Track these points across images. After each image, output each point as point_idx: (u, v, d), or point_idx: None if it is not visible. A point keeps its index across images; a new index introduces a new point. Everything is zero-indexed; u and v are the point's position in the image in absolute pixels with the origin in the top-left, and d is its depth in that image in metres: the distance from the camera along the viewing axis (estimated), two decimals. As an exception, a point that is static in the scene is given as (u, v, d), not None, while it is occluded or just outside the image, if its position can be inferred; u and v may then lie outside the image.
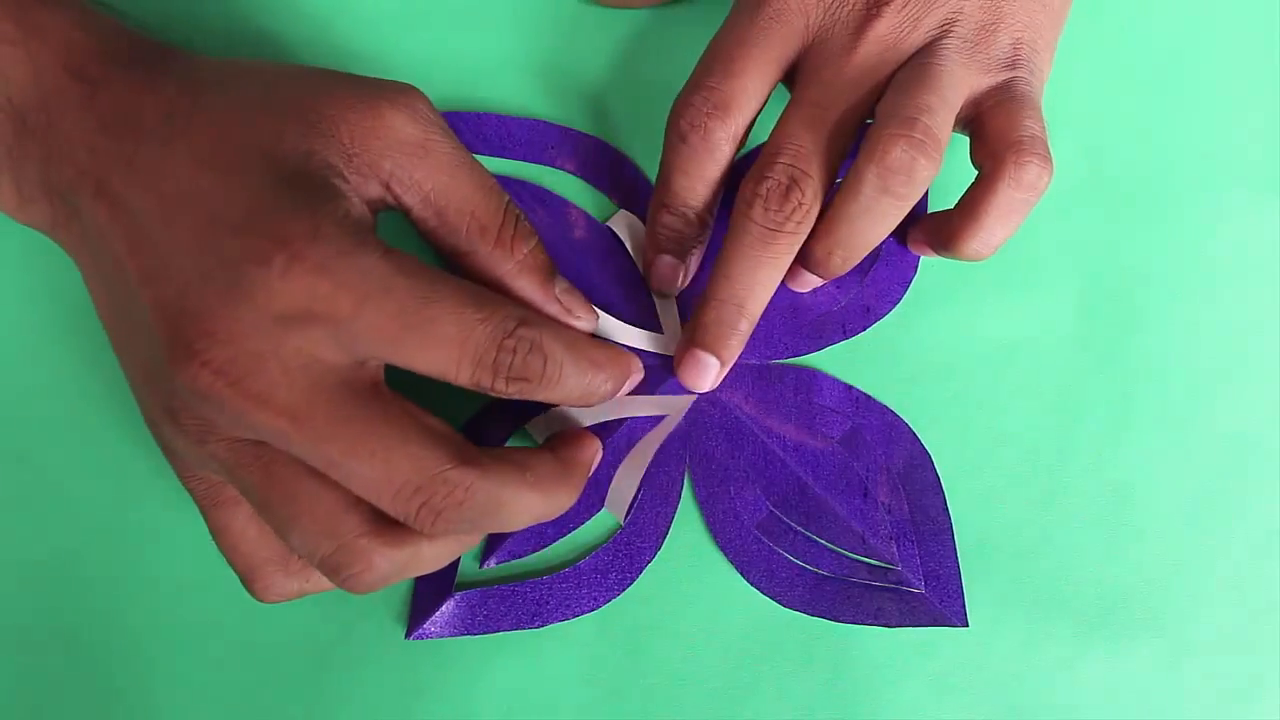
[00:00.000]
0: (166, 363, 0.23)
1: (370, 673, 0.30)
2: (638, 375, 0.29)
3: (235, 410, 0.23)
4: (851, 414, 0.32)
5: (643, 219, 0.33)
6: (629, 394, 0.30)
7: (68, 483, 0.31)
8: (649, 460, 0.32)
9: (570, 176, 0.33)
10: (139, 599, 0.30)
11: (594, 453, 0.29)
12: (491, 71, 0.33)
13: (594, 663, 0.31)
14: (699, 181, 0.30)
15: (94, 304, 0.27)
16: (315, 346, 0.23)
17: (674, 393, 0.32)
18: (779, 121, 0.29)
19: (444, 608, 0.30)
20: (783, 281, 0.32)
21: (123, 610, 0.30)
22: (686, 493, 0.32)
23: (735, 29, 0.29)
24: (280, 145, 0.24)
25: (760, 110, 0.30)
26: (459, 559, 0.31)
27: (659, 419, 0.32)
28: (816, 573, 0.31)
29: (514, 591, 0.31)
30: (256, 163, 0.24)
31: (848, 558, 0.31)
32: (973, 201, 0.28)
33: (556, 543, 0.31)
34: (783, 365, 0.32)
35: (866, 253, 0.29)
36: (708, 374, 0.30)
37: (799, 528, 0.31)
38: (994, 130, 0.28)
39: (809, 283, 0.32)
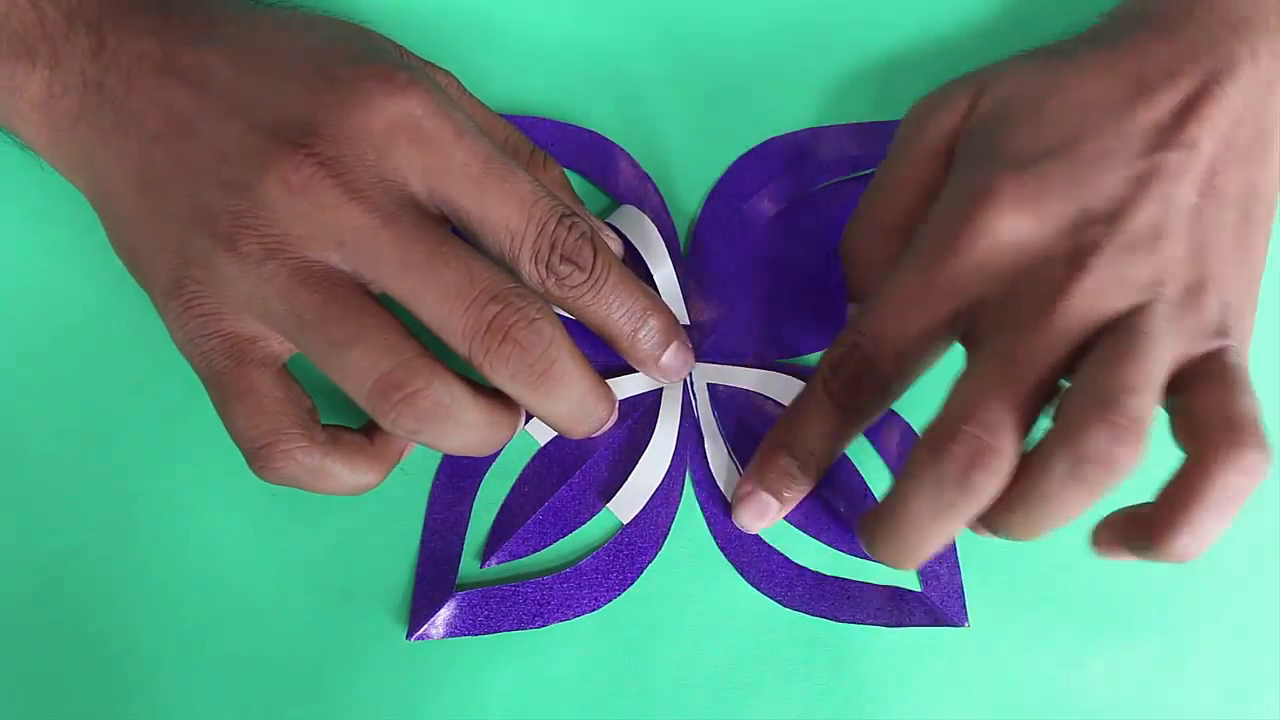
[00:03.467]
0: (253, 173, 0.24)
1: (370, 673, 0.30)
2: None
3: (329, 202, 0.24)
4: (852, 414, 0.32)
5: (644, 212, 0.32)
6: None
7: (68, 483, 0.31)
8: (667, 462, 0.32)
9: (569, 173, 0.33)
10: (140, 599, 0.30)
11: None
12: (487, 69, 0.33)
13: (594, 663, 0.31)
14: (831, 436, 0.28)
15: (105, 205, 0.27)
16: (409, 169, 0.25)
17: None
18: (961, 381, 0.25)
19: (445, 608, 0.30)
20: (785, 295, 0.32)
21: (124, 610, 0.30)
22: (687, 493, 0.32)
23: (910, 276, 0.26)
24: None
25: (924, 369, 0.27)
26: (459, 560, 0.31)
27: (657, 392, 0.32)
28: (817, 573, 0.31)
29: (514, 592, 0.31)
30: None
31: (848, 558, 0.31)
32: (1182, 492, 0.24)
33: (557, 543, 0.31)
34: (783, 365, 0.32)
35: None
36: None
37: (799, 528, 0.31)
38: (1205, 408, 0.24)
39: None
